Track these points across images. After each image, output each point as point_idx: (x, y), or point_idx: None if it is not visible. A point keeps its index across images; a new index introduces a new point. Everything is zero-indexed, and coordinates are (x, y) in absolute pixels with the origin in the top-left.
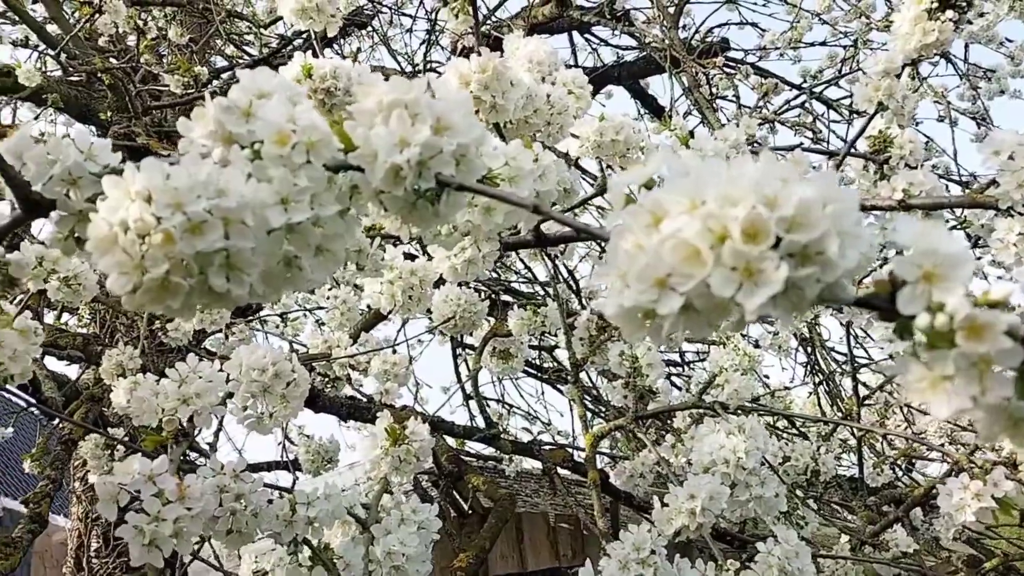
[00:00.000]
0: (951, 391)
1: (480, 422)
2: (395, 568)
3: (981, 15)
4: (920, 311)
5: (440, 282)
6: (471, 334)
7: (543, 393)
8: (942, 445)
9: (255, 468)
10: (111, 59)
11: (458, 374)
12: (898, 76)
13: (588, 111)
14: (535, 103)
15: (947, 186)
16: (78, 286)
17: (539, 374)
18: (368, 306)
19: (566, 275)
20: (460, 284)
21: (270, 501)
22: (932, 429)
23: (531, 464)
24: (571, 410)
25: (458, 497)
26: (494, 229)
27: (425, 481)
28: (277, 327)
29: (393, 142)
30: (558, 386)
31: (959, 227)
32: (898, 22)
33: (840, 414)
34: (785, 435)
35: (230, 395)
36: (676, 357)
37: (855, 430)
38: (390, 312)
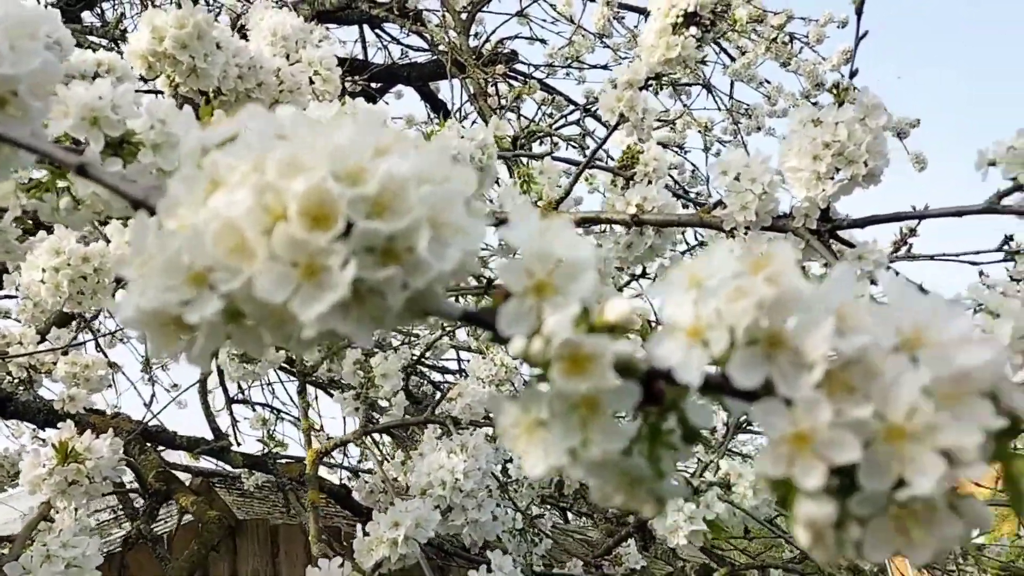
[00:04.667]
0: (547, 441)
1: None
2: None
3: (743, 53)
4: (523, 332)
5: None
6: None
7: (316, 398)
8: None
9: None
10: None
11: (221, 376)
12: (641, 89)
13: (335, 95)
14: (260, 76)
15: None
16: None
17: (314, 379)
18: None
19: None
20: None
21: None
22: None
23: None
24: (348, 420)
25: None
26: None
27: (140, 501)
28: None
29: None
30: (331, 391)
31: (693, 249)
32: (644, 34)
33: None
34: None
35: None
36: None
37: None
38: (57, 307)
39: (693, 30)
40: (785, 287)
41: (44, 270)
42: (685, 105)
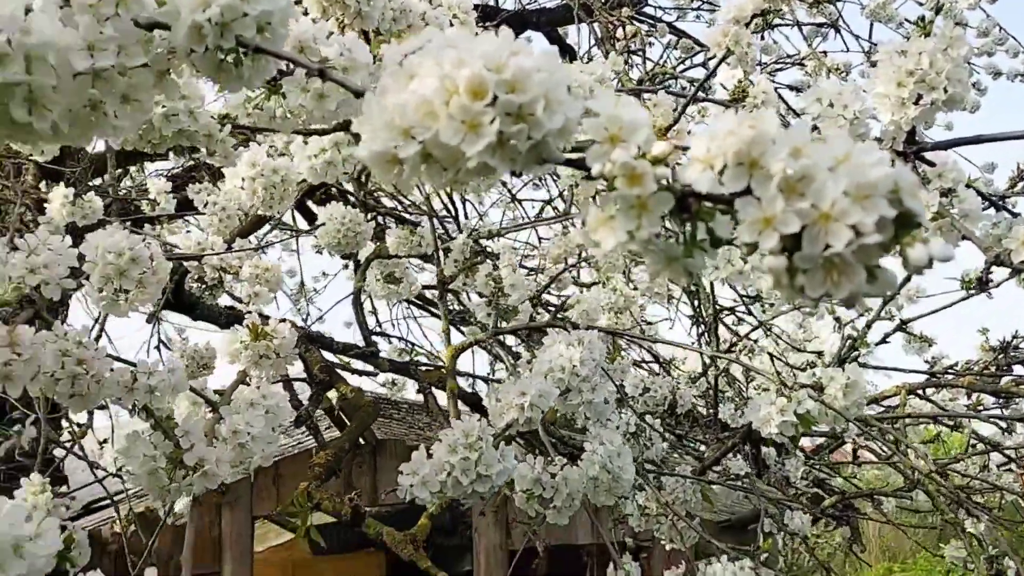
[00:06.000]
0: (615, 227)
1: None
2: (240, 446)
3: None
4: (601, 164)
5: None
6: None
7: (448, 332)
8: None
9: None
10: None
11: (360, 310)
12: (747, 25)
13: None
14: (408, 18)
15: None
16: None
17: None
18: (246, 213)
19: (446, 200)
20: (347, 203)
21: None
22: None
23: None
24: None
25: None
26: (329, 116)
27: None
28: (154, 229)
29: (196, 1)
30: (461, 328)
31: None
32: None
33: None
34: (649, 368)
35: (86, 276)
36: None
37: (717, 363)
38: (255, 209)
39: None
40: (759, 130)
41: (243, 179)
42: (810, 46)
